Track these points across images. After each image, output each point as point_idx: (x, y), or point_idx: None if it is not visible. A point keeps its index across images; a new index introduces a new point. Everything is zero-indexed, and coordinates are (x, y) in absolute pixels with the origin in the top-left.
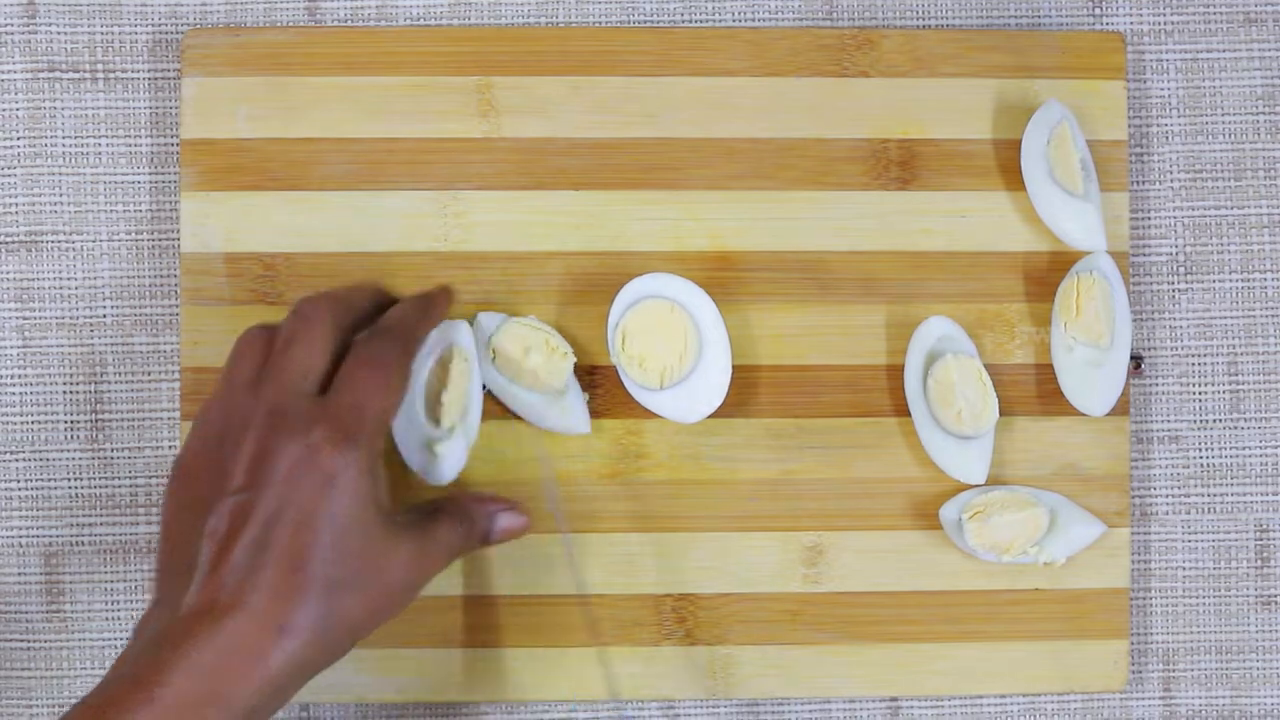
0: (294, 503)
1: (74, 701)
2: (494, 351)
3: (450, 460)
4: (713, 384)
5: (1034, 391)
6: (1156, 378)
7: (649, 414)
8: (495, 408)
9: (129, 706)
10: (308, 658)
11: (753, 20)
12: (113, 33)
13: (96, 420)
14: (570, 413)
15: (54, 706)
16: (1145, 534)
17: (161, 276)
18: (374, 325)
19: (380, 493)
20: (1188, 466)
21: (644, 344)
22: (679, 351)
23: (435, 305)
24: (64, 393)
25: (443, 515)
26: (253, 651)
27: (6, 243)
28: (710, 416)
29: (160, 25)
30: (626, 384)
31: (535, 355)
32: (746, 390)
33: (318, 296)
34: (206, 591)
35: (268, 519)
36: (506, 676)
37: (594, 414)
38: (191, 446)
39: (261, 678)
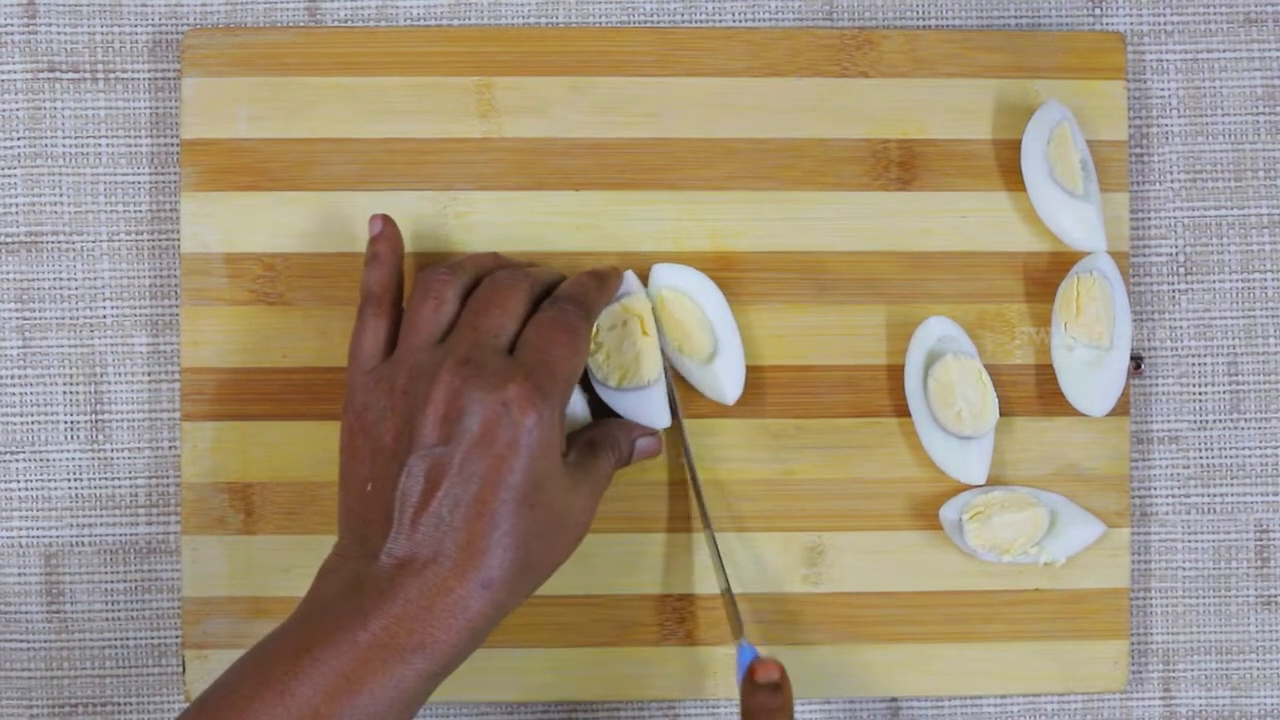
0: (489, 457)
1: (71, 700)
2: None
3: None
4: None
5: (1034, 391)
6: (1156, 378)
7: None
8: None
9: (332, 645)
10: (503, 604)
11: (753, 20)
12: (113, 33)
13: (96, 420)
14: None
15: (54, 706)
16: (1145, 534)
17: (161, 276)
18: (554, 295)
19: (563, 444)
20: (1188, 466)
21: (611, 341)
22: (639, 350)
23: (609, 280)
24: (64, 393)
25: (599, 448)
26: (455, 602)
27: (6, 243)
28: (712, 416)
29: (160, 25)
30: (592, 381)
31: None
32: (747, 390)
33: (517, 270)
34: (406, 544)
35: (464, 474)
36: (507, 676)
37: (594, 414)
38: (366, 399)
39: (463, 626)
